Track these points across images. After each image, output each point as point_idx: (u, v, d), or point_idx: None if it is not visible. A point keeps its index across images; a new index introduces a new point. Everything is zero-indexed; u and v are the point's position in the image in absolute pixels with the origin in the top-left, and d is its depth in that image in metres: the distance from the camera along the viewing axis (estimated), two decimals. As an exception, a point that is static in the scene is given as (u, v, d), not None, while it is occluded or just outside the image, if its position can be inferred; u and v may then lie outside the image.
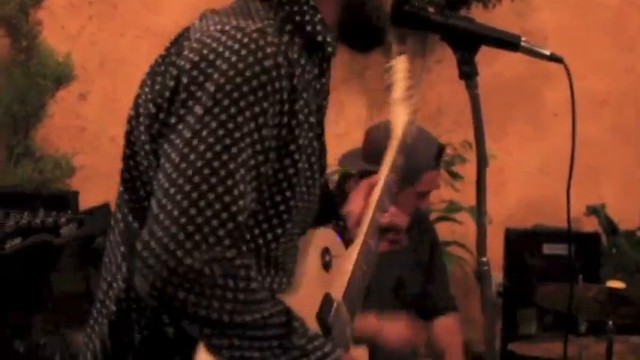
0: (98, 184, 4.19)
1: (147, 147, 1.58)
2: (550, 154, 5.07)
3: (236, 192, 1.47)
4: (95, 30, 4.84)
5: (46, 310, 3.18)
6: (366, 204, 1.95)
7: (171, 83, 1.55)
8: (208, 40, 1.54)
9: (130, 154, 1.62)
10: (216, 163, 1.46)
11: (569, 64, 1.70)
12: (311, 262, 1.70)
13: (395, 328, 2.75)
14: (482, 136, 1.67)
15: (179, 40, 1.62)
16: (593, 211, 4.90)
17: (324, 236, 1.76)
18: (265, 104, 1.50)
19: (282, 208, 1.59)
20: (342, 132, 4.76)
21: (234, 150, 1.48)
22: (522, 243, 4.64)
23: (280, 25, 1.60)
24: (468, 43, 1.65)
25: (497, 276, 4.82)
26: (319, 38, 1.64)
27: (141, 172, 1.60)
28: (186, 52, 1.55)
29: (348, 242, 1.87)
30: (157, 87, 1.58)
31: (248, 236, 1.55)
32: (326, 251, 1.74)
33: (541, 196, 5.08)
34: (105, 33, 4.83)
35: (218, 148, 1.47)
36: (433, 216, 4.39)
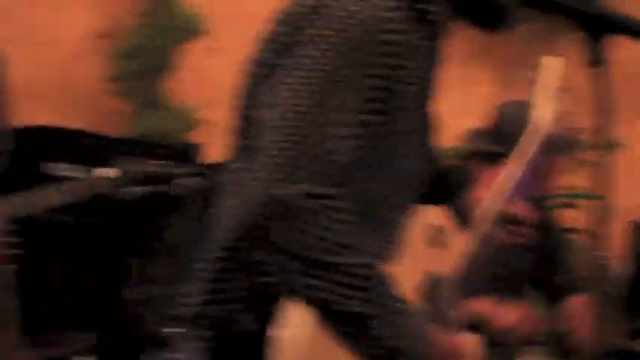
0: (221, 139, 4.22)
1: (263, 97, 1.61)
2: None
3: (342, 132, 1.48)
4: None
5: (161, 259, 3.21)
6: (492, 191, 1.94)
7: (287, 29, 1.58)
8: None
9: (246, 105, 1.66)
10: (324, 107, 1.49)
11: None
12: (420, 236, 1.70)
13: (506, 314, 2.71)
14: (608, 125, 1.63)
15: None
16: None
17: (437, 214, 1.76)
18: (376, 56, 1.51)
19: (385, 163, 1.59)
20: (470, 109, 4.68)
21: (344, 95, 1.49)
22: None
23: None
24: (597, 29, 1.60)
25: (624, 268, 4.69)
26: (428, 7, 1.62)
27: (254, 120, 1.62)
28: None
29: (466, 225, 1.85)
30: (275, 34, 1.62)
31: (351, 184, 1.54)
32: (438, 229, 1.73)
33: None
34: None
35: (328, 90, 1.49)
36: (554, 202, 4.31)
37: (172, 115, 4.38)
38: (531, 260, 3.00)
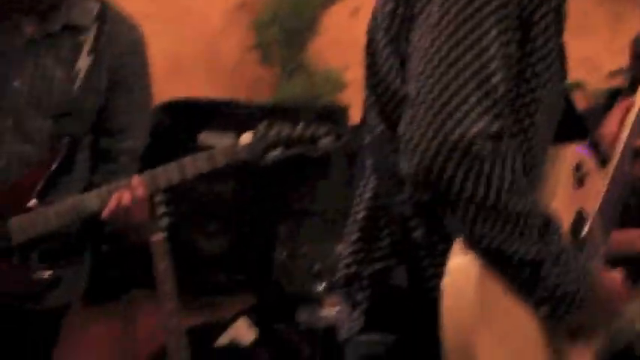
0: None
1: (387, 50, 1.61)
2: None
3: (493, 65, 1.46)
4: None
5: (310, 221, 3.24)
6: (622, 126, 1.89)
7: None
8: None
9: (371, 63, 1.65)
10: (467, 41, 1.46)
11: None
12: (562, 176, 1.66)
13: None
14: None
15: None
16: None
17: (574, 152, 1.70)
18: None
19: (527, 99, 1.56)
20: (617, 48, 4.52)
21: (483, 27, 1.47)
22: None
23: None
24: None
25: None
26: None
27: (382, 78, 1.62)
28: None
29: (601, 163, 1.80)
30: None
31: (510, 123, 1.52)
32: (578, 167, 1.69)
33: None
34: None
35: (467, 26, 1.47)
36: None
37: (318, 79, 4.40)
38: None
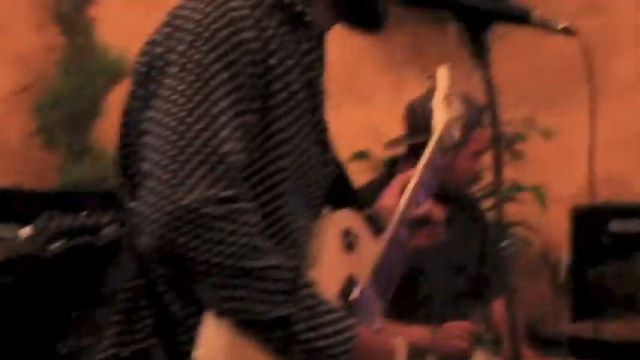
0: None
1: (131, 130, 1.62)
2: (619, 128, 4.92)
3: (223, 134, 1.48)
4: (152, 24, 4.85)
5: (90, 312, 3.19)
6: (400, 198, 1.93)
7: (146, 58, 1.60)
8: (176, 10, 1.59)
9: (124, 143, 1.66)
10: (198, 111, 1.48)
11: None
12: (330, 242, 1.68)
13: (447, 340, 2.84)
14: (497, 117, 1.62)
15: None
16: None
17: (344, 217, 1.74)
18: (236, 54, 1.52)
19: (272, 167, 1.57)
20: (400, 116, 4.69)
21: (213, 97, 1.49)
22: (589, 221, 4.51)
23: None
24: (478, 20, 1.61)
25: (565, 257, 4.70)
26: (298, 8, 1.63)
27: (134, 152, 1.62)
28: (158, 28, 1.61)
29: (376, 231, 1.84)
30: (136, 66, 1.63)
31: (245, 190, 1.53)
32: (347, 232, 1.71)
33: (610, 171, 4.93)
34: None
35: (197, 97, 1.49)
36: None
37: (103, 161, 4.37)
38: (455, 256, 3.03)
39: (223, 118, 1.48)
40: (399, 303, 2.89)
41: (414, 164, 2.90)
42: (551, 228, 4.83)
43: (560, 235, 4.66)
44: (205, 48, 1.51)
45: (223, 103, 1.49)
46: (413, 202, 1.93)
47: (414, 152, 2.99)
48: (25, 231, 2.68)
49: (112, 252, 3.22)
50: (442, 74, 2.26)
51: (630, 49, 4.90)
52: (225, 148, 1.47)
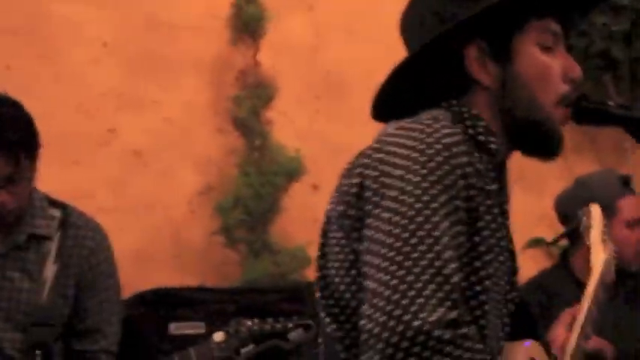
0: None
1: (336, 249, 1.66)
2: None
3: (446, 256, 1.51)
4: (324, 122, 5.00)
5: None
6: (569, 332, 2.04)
7: (356, 180, 1.64)
8: (387, 137, 1.65)
9: (321, 265, 1.71)
10: (420, 232, 1.52)
11: None
12: None
13: None
14: None
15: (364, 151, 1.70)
16: None
17: (531, 348, 1.77)
18: (452, 178, 1.56)
19: (478, 288, 1.61)
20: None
21: (434, 219, 1.53)
22: None
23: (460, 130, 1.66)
24: None
25: None
26: (492, 146, 1.69)
27: (329, 282, 1.68)
28: (367, 151, 1.66)
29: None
30: (344, 188, 1.68)
31: (466, 310, 1.56)
32: None
33: None
34: (333, 125, 4.98)
35: (419, 219, 1.52)
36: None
37: (283, 257, 4.49)
38: None
39: (445, 240, 1.52)
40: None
41: (580, 246, 2.93)
42: None
43: None
44: (423, 172, 1.55)
45: (444, 224, 1.53)
46: (583, 335, 2.02)
47: (574, 238, 3.02)
48: (219, 336, 2.80)
49: (298, 355, 3.32)
50: (596, 211, 2.34)
51: None
52: (449, 269, 1.51)
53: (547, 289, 3.07)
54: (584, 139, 4.97)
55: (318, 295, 1.73)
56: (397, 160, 1.59)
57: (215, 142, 4.70)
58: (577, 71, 1.72)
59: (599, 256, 2.22)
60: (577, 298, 3.00)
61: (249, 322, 2.83)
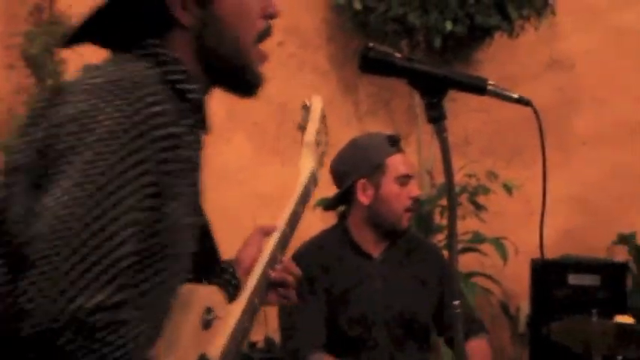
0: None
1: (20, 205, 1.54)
2: (578, 183, 5.02)
3: (119, 238, 1.45)
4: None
5: None
6: (258, 254, 1.90)
7: (41, 134, 1.52)
8: (91, 87, 1.53)
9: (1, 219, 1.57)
10: (97, 211, 1.44)
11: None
12: (189, 320, 1.64)
13: None
14: (451, 179, 1.66)
15: (59, 91, 1.59)
16: (623, 239, 4.82)
17: (207, 294, 1.69)
18: (148, 151, 1.49)
19: (159, 256, 1.54)
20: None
21: (116, 196, 1.45)
22: (548, 274, 4.58)
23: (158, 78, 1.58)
24: (434, 87, 1.65)
25: (525, 307, 4.75)
26: (191, 95, 1.64)
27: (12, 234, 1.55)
28: (67, 97, 1.54)
29: (234, 293, 1.81)
30: (29, 138, 1.55)
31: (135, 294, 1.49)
32: (208, 310, 1.67)
33: (570, 225, 5.01)
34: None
35: (99, 195, 1.44)
36: (458, 247, 4.35)
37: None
38: (410, 298, 3.08)
39: (126, 218, 1.46)
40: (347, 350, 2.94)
41: (355, 207, 2.96)
42: (511, 278, 4.89)
43: (521, 285, 4.73)
44: (125, 139, 1.48)
45: (127, 202, 1.46)
46: (271, 262, 1.89)
47: (349, 198, 3.09)
48: None
49: None
50: (317, 104, 2.17)
51: (589, 107, 5.00)
52: (119, 252, 1.44)
53: (325, 250, 3.09)
54: (378, 103, 5.06)
55: None
56: (102, 118, 1.48)
57: (3, 78, 4.53)
58: (275, 7, 1.71)
59: (305, 166, 2.05)
60: (352, 259, 3.08)
61: None
